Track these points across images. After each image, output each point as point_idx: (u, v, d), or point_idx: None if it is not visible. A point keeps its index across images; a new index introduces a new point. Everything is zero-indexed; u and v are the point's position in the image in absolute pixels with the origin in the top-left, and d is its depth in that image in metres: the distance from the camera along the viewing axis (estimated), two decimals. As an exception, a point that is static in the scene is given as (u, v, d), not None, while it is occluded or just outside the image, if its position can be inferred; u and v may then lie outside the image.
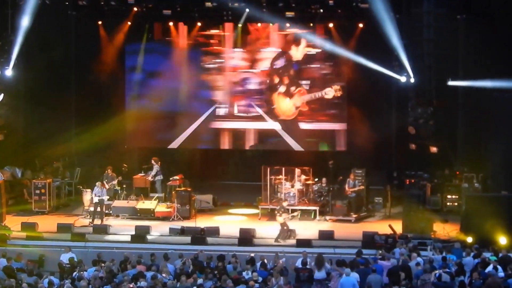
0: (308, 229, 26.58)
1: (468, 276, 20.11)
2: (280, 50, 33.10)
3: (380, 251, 22.26)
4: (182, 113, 33.55)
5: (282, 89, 33.20)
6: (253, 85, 33.45)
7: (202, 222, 27.30)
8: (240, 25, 32.41)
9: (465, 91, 29.76)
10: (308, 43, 32.53)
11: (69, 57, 33.15)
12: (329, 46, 32.03)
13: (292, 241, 25.08)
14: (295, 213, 27.32)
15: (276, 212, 26.49)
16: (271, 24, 32.39)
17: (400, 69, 28.80)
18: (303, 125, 33.09)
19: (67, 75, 33.16)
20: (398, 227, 26.12)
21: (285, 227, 25.75)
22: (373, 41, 30.11)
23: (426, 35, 28.33)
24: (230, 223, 27.67)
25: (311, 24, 32.07)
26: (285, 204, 26.58)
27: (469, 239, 24.07)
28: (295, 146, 33.01)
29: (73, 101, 33.55)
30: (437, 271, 19.63)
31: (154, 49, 33.39)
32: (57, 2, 30.31)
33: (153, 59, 33.43)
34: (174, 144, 33.58)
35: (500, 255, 21.22)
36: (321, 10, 30.83)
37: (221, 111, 33.58)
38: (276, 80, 33.21)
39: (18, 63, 29.76)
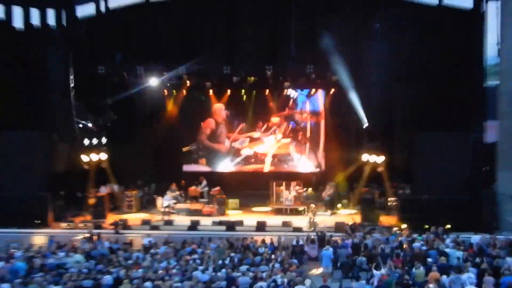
0: (301, 220, 26.48)
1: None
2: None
3: (345, 234, 22.47)
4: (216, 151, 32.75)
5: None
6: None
7: (232, 217, 27.39)
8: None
9: (401, 135, 29.17)
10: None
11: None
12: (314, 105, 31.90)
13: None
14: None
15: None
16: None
17: (359, 117, 28.92)
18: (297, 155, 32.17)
19: (144, 122, 32.23)
20: (357, 219, 26.23)
21: (311, 219, 25.43)
22: (341, 100, 30.09)
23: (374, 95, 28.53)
24: (250, 217, 27.39)
25: (301, 90, 31.74)
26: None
27: (403, 226, 24.24)
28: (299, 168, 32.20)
29: (149, 139, 31.93)
30: (382, 245, 19.90)
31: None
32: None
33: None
34: (213, 169, 32.68)
35: (424, 236, 21.26)
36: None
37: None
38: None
39: (113, 114, 30.15)
